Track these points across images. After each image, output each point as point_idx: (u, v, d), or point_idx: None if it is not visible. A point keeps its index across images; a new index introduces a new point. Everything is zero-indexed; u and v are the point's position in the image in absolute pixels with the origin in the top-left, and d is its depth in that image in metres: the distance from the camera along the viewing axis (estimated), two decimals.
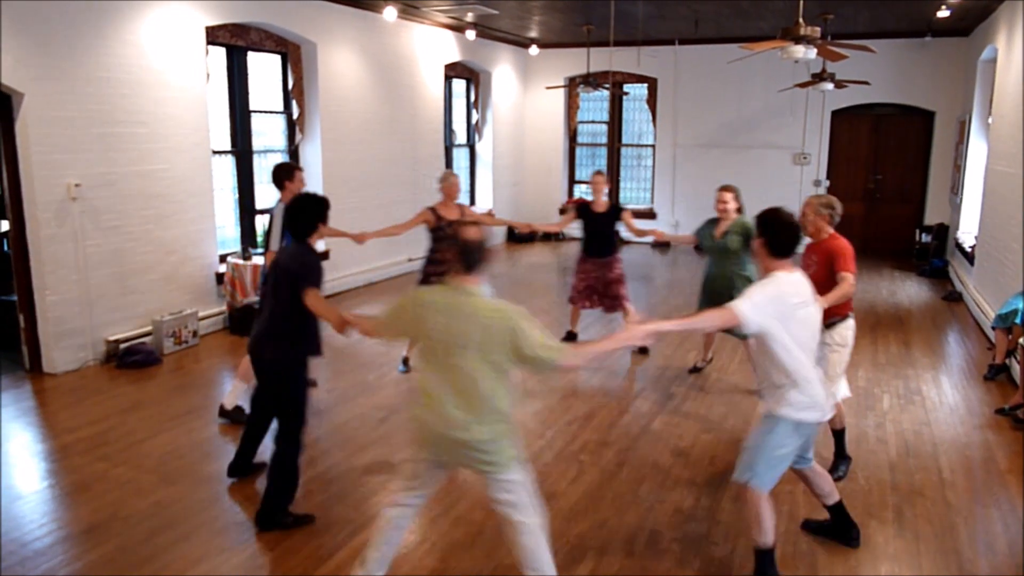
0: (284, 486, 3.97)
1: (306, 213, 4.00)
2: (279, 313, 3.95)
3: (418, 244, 11.05)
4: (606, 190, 7.08)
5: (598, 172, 7.16)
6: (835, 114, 12.56)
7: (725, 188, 6.19)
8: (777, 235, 3.31)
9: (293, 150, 9.22)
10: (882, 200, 12.70)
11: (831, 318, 4.32)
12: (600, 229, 7.09)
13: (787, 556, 3.80)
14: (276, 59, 8.93)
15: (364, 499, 4.36)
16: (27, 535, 3.94)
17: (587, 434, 5.32)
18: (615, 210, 7.09)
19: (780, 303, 3.24)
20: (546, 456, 4.94)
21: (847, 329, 4.47)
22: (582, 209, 7.15)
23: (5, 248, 6.97)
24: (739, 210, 6.16)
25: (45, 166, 6.16)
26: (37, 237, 6.21)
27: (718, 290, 5.99)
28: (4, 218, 6.46)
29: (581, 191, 14.94)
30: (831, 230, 4.49)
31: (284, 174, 5.56)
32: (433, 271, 6.22)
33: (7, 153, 6.12)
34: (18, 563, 3.69)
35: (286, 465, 3.98)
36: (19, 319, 6.39)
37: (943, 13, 9.56)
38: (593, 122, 14.64)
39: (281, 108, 9.10)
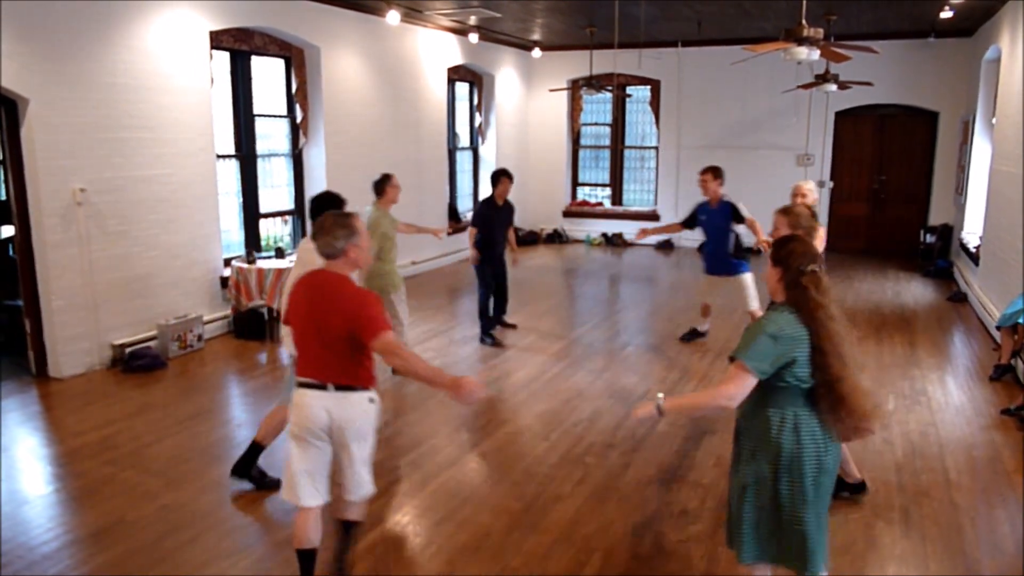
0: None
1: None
2: None
3: (423, 248, 11.11)
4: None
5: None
6: (839, 115, 12.55)
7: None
8: None
9: (297, 154, 9.24)
10: (886, 201, 12.68)
11: None
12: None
13: None
14: (280, 63, 8.95)
15: (370, 503, 4.36)
16: (34, 539, 3.95)
17: (592, 436, 5.32)
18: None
19: None
20: (551, 458, 4.94)
21: None
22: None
23: (11, 253, 6.99)
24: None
25: (50, 171, 6.18)
26: (43, 242, 6.23)
27: None
28: (10, 223, 6.48)
29: (584, 193, 14.96)
30: None
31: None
32: None
33: (13, 158, 6.15)
34: (25, 567, 3.70)
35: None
36: (25, 324, 6.41)
37: (946, 14, 9.55)
38: (596, 124, 14.65)
39: (285, 112, 9.12)
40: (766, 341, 2.71)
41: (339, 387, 3.20)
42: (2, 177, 6.80)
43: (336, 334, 3.15)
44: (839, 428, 2.79)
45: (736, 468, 2.96)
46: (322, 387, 3.21)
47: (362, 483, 3.35)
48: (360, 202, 9.68)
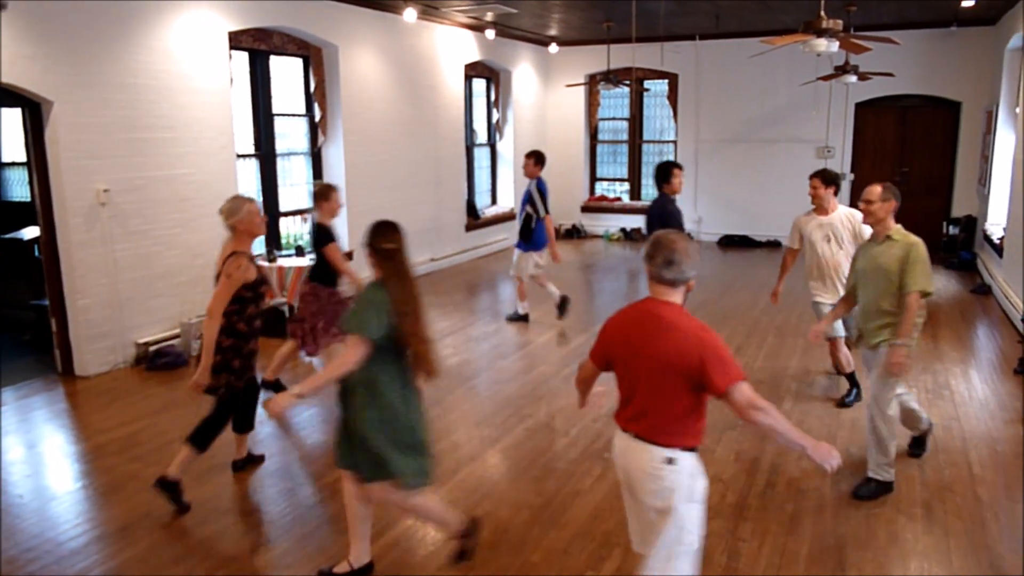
0: None
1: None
2: None
3: (441, 244, 11.15)
4: None
5: None
6: (859, 106, 12.42)
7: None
8: None
9: (316, 152, 9.30)
10: (908, 193, 12.40)
11: None
12: None
13: (815, 553, 3.78)
14: (298, 62, 9.01)
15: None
16: (62, 535, 4.02)
17: (612, 431, 5.30)
18: None
19: None
20: (571, 454, 4.95)
21: None
22: None
23: (36, 253, 7.10)
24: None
25: (74, 172, 6.27)
26: (68, 242, 6.33)
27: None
28: (35, 224, 6.58)
29: (602, 188, 14.92)
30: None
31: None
32: None
33: (38, 160, 6.24)
34: (54, 563, 3.77)
35: None
36: (51, 323, 6.51)
37: (968, 2, 9.42)
38: (614, 119, 14.61)
39: (304, 111, 9.18)
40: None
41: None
42: (27, 178, 6.91)
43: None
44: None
45: None
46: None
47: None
48: (379, 200, 9.76)
